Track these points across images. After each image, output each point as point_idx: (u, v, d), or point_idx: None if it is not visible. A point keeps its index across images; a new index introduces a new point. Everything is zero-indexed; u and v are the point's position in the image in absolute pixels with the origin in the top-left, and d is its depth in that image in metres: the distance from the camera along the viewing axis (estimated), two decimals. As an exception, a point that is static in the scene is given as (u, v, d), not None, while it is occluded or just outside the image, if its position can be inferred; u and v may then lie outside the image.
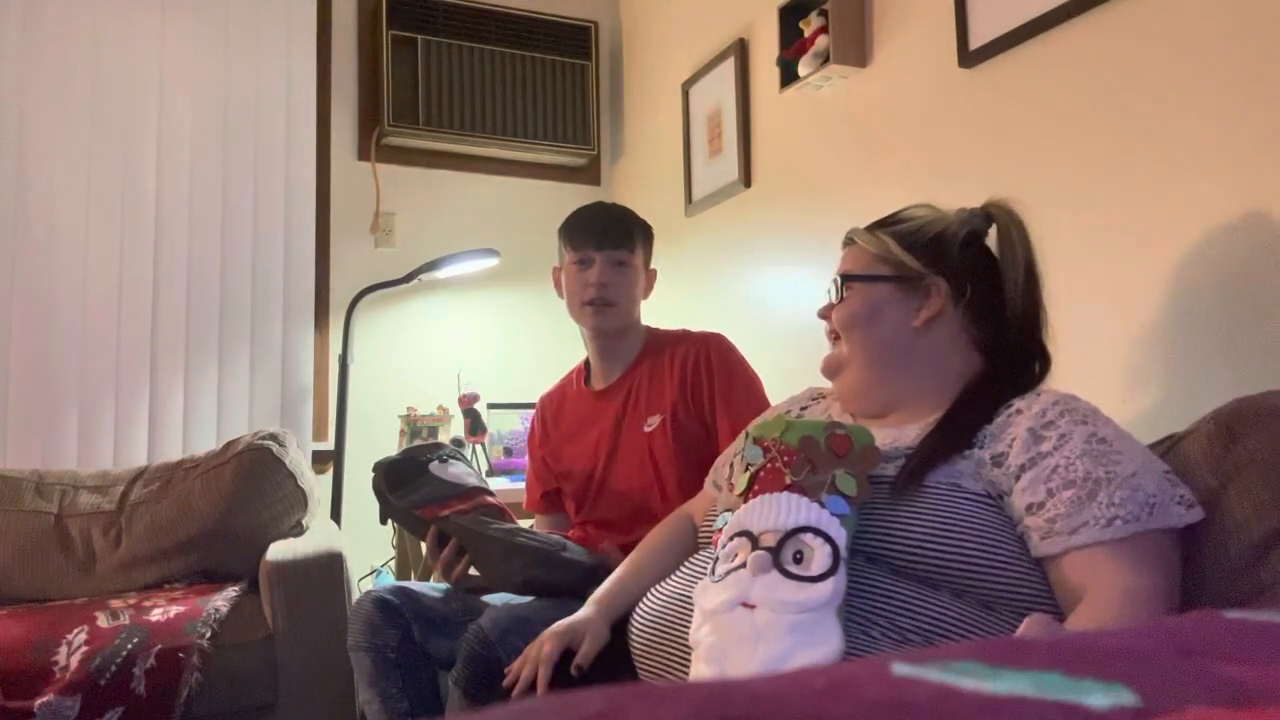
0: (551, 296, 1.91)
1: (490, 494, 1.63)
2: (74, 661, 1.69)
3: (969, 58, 1.83)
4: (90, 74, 2.67)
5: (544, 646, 1.19)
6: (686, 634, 1.04)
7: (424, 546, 1.66)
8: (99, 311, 2.64)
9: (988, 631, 0.98)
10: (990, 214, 1.23)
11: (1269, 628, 0.46)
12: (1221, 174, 1.38)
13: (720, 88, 2.69)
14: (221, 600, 1.94)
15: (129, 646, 1.73)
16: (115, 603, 1.95)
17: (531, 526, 1.80)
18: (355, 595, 1.96)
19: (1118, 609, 0.90)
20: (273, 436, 2.27)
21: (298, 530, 2.22)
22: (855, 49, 2.13)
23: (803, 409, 1.34)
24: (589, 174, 3.37)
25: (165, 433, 2.69)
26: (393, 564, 2.67)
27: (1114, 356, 1.55)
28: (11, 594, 2.09)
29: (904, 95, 2.04)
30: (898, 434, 1.13)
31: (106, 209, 2.66)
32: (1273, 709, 0.33)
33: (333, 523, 2.54)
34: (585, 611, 1.25)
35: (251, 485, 2.17)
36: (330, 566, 1.97)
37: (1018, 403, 1.08)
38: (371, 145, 3.05)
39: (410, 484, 1.61)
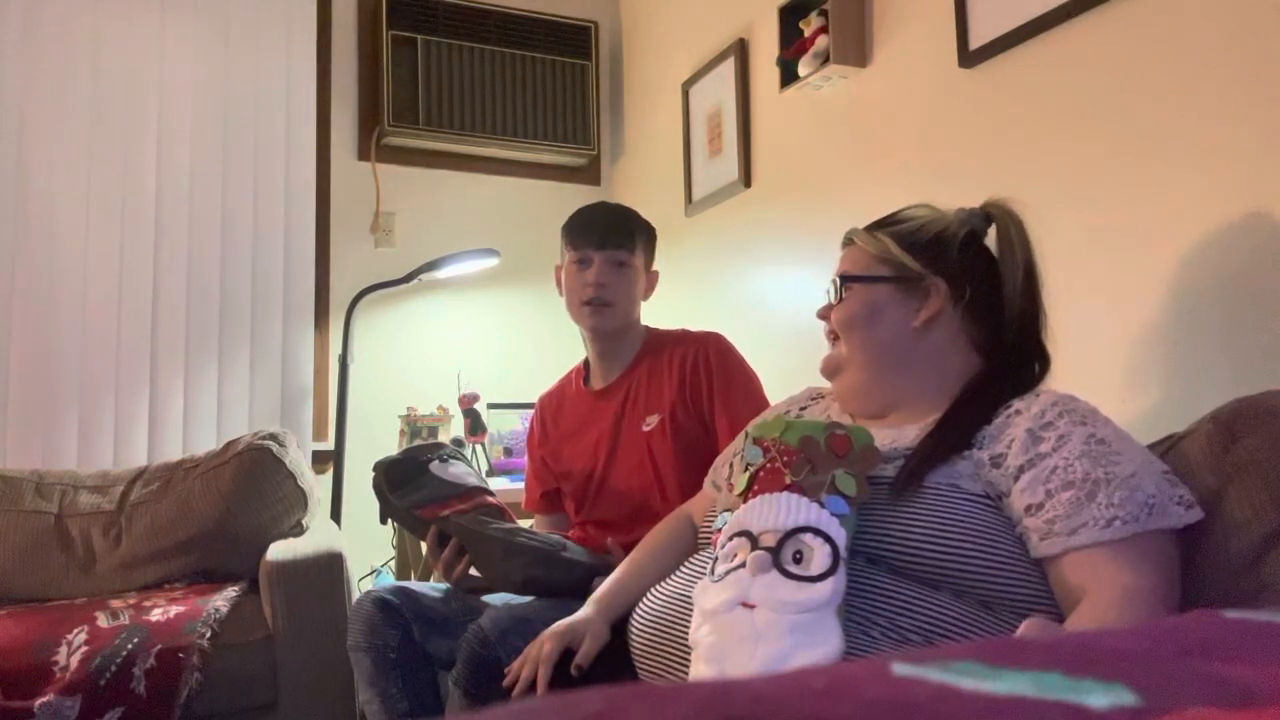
0: (551, 296, 1.91)
1: (490, 494, 1.63)
2: (74, 661, 1.69)
3: (969, 58, 1.83)
4: (90, 74, 2.67)
5: (544, 646, 1.19)
6: (686, 634, 1.04)
7: (424, 546, 1.66)
8: (99, 311, 2.64)
9: (988, 631, 0.98)
10: (990, 214, 1.23)
11: (1269, 628, 0.46)
12: (1221, 174, 1.38)
13: (720, 88, 2.69)
14: (221, 600, 1.94)
15: (129, 646, 1.73)
16: (115, 603, 1.95)
17: (531, 526, 1.80)
18: (355, 595, 1.96)
19: (1117, 609, 0.90)
20: (273, 436, 2.27)
21: (298, 530, 2.22)
22: (855, 49, 2.13)
23: (802, 409, 1.34)
24: (589, 174, 3.37)
25: (165, 433, 2.69)
26: (393, 564, 2.67)
27: (1114, 356, 1.55)
28: (11, 594, 2.09)
29: (904, 95, 2.04)
30: (897, 434, 1.13)
31: (106, 209, 2.66)
32: (1273, 709, 0.33)
33: (333, 523, 2.54)
34: (585, 611, 1.25)
35: (251, 485, 2.17)
36: (330, 566, 1.97)
37: (1017, 403, 1.08)
38: (371, 145, 3.05)
39: (410, 484, 1.61)
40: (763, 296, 2.55)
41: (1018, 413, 1.06)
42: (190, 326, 2.74)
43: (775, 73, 2.38)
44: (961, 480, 1.03)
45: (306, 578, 1.95)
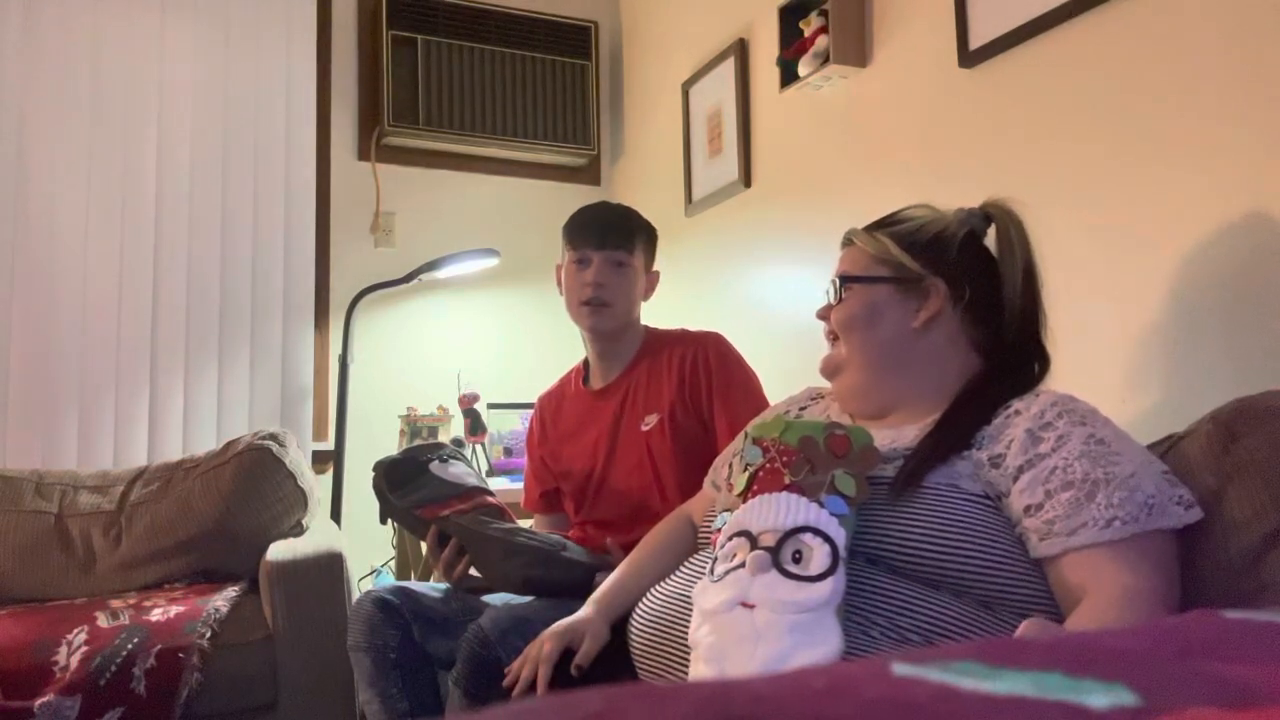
0: (551, 296, 1.91)
1: (490, 494, 1.63)
2: (74, 661, 1.69)
3: (969, 58, 1.83)
4: (90, 74, 2.67)
5: (544, 646, 1.19)
6: (686, 634, 1.04)
7: (424, 546, 1.66)
8: (99, 311, 2.64)
9: (988, 631, 0.98)
10: (989, 214, 1.22)
11: (1269, 628, 0.46)
12: (1221, 174, 1.38)
13: (720, 88, 2.69)
14: (221, 600, 1.94)
15: (129, 646, 1.73)
16: (115, 603, 1.95)
17: (531, 526, 1.80)
18: (355, 595, 1.96)
19: (1117, 609, 0.90)
20: (273, 436, 2.27)
21: (298, 530, 2.22)
22: (855, 49, 2.13)
23: (801, 409, 1.34)
24: (589, 174, 3.37)
25: (165, 433, 2.69)
26: (393, 564, 2.67)
27: (1114, 356, 1.55)
28: (11, 594, 2.09)
29: (904, 95, 2.04)
30: (896, 434, 1.13)
31: (106, 209, 2.66)
32: (1273, 709, 0.33)
33: (333, 523, 2.54)
34: (585, 611, 1.25)
35: (251, 485, 2.17)
36: (330, 566, 1.97)
37: (1016, 404, 1.08)
38: (371, 145, 3.05)
39: (410, 484, 1.61)
40: (763, 296, 2.55)
41: (1017, 413, 1.06)
42: (190, 326, 2.74)
43: (775, 73, 2.38)
44: (961, 480, 1.03)
45: (306, 578, 1.95)
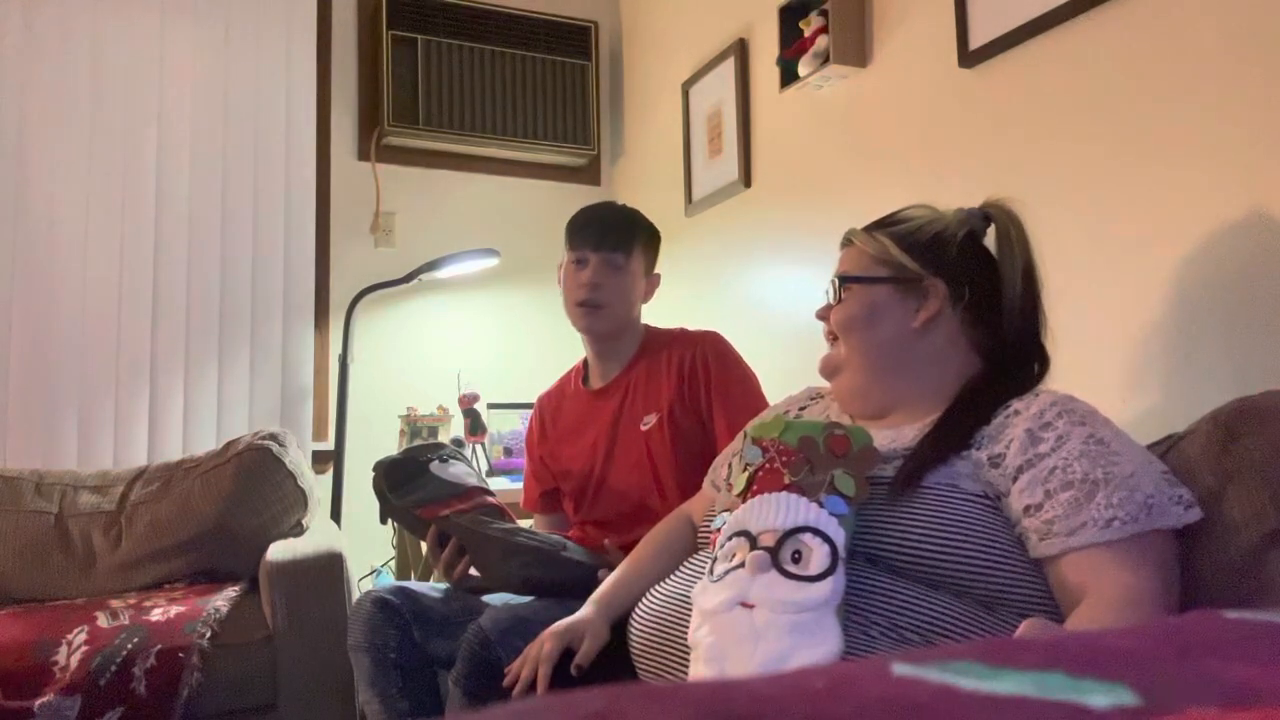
0: (551, 297, 1.91)
1: (490, 494, 1.63)
2: (74, 661, 1.69)
3: (969, 58, 1.83)
4: (90, 74, 2.67)
5: (544, 646, 1.19)
6: (686, 634, 1.04)
7: (424, 546, 1.66)
8: (99, 311, 2.64)
9: (987, 631, 0.98)
10: (989, 214, 1.22)
11: (1269, 628, 0.46)
12: (1221, 174, 1.38)
13: (720, 88, 2.69)
14: (221, 600, 1.94)
15: (129, 646, 1.73)
16: (115, 603, 1.95)
17: (531, 526, 1.80)
18: (355, 595, 1.96)
19: (1117, 609, 0.90)
20: (273, 436, 2.27)
21: (298, 530, 2.22)
22: (855, 49, 2.13)
23: (801, 409, 1.34)
24: (589, 174, 3.37)
25: (165, 433, 2.69)
26: (393, 564, 2.67)
27: (1114, 356, 1.55)
28: (11, 594, 2.09)
29: (904, 95, 2.04)
30: (896, 435, 1.13)
31: (106, 209, 2.66)
32: (1273, 709, 0.33)
33: (333, 523, 2.54)
34: (585, 611, 1.25)
35: (251, 485, 2.17)
36: (330, 566, 1.97)
37: (1016, 404, 1.08)
38: (371, 145, 3.05)
39: (410, 484, 1.61)
40: (763, 296, 2.55)
41: (1017, 413, 1.06)
42: (190, 326, 2.74)
43: (775, 73, 2.38)
44: (960, 480, 1.03)
45: (306, 578, 1.95)
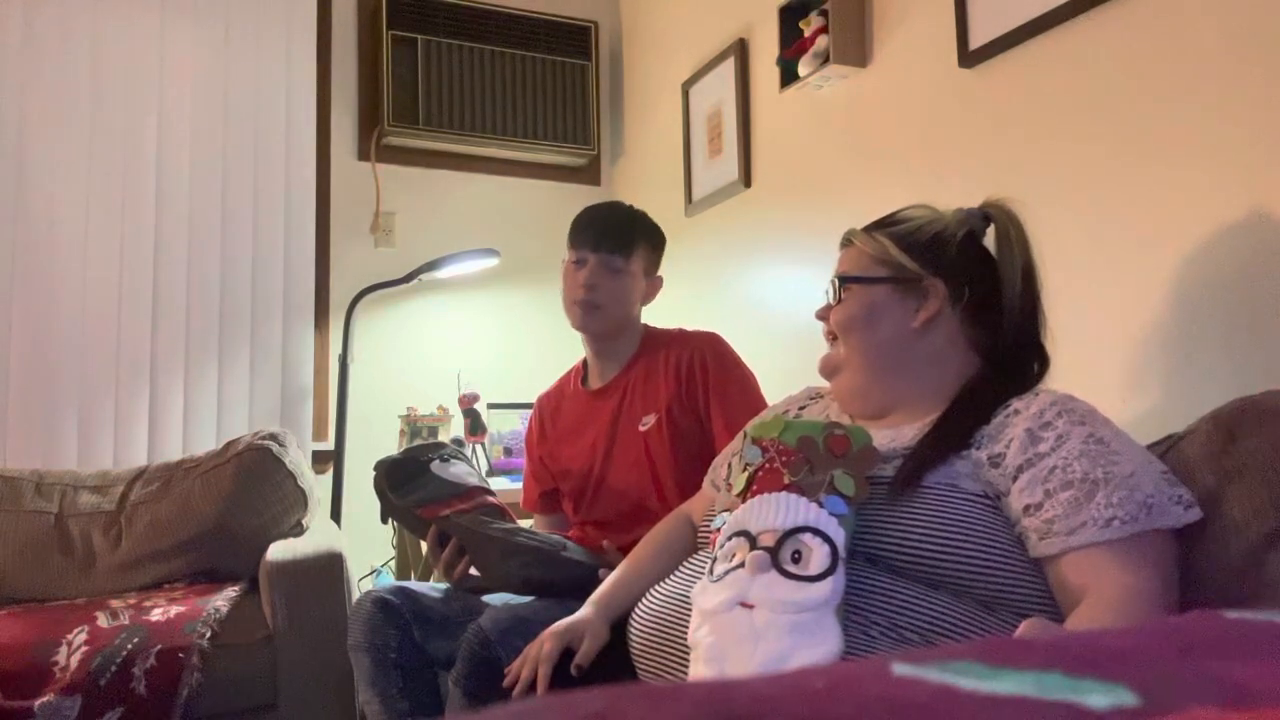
0: (551, 297, 1.91)
1: (491, 494, 1.63)
2: (74, 661, 1.69)
3: (969, 58, 1.83)
4: (90, 74, 2.67)
5: (544, 646, 1.19)
6: (685, 634, 1.04)
7: (424, 546, 1.66)
8: (99, 311, 2.64)
9: (987, 631, 0.98)
10: (988, 214, 1.23)
11: (1269, 628, 0.46)
12: (1221, 174, 1.38)
13: (720, 88, 2.69)
14: (221, 600, 1.94)
15: (129, 646, 1.73)
16: (115, 603, 1.95)
17: (531, 526, 1.80)
18: (355, 595, 1.96)
19: (1117, 609, 0.90)
20: (273, 436, 2.27)
21: (298, 530, 2.22)
22: (855, 49, 2.13)
23: (800, 409, 1.34)
24: (589, 174, 3.37)
25: (165, 433, 2.69)
26: (393, 564, 2.67)
27: (1114, 356, 1.55)
28: (11, 594, 2.09)
29: (904, 95, 2.04)
30: (895, 434, 1.13)
31: (106, 209, 2.66)
32: (1273, 709, 0.33)
33: (333, 523, 2.54)
34: (585, 611, 1.25)
35: (251, 485, 2.17)
36: (330, 566, 1.97)
37: (1015, 403, 1.08)
38: (371, 145, 3.05)
39: (411, 483, 1.61)
40: (763, 296, 2.55)
41: (1016, 412, 1.06)
42: (190, 326, 2.74)
43: (775, 73, 2.38)
44: (960, 480, 1.03)
45: (306, 578, 1.95)
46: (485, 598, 1.55)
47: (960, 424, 1.09)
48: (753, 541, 0.99)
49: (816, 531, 0.97)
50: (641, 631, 1.15)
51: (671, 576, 1.19)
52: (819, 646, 0.90)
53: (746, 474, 1.07)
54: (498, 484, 2.48)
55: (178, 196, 2.74)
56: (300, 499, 2.23)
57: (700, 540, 1.27)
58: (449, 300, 3.13)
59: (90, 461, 2.57)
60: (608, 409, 1.76)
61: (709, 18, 2.80)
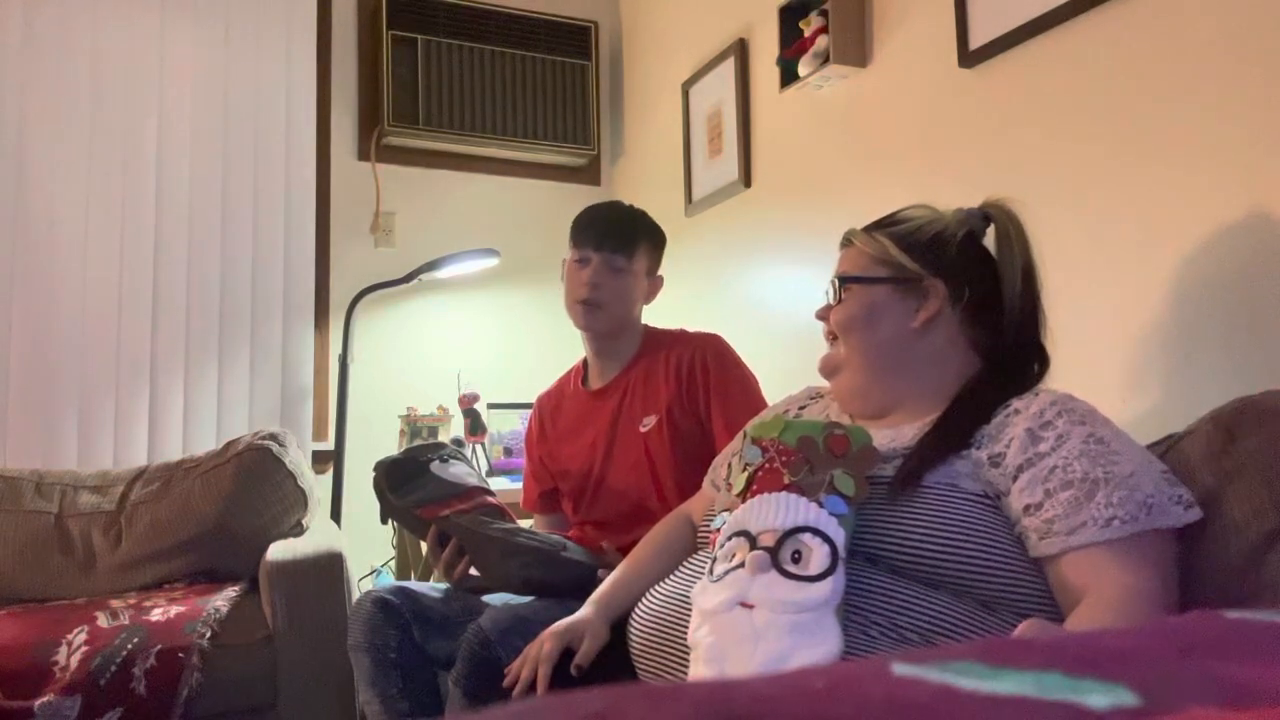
0: (551, 297, 1.91)
1: (491, 494, 1.63)
2: (74, 661, 1.69)
3: (969, 58, 1.83)
4: (90, 74, 2.67)
5: (544, 646, 1.19)
6: (685, 634, 1.04)
7: (424, 546, 1.66)
8: (99, 311, 2.64)
9: (987, 631, 0.98)
10: (988, 214, 1.23)
11: (1269, 628, 0.46)
12: (1221, 174, 1.38)
13: (720, 88, 2.69)
14: (221, 600, 1.94)
15: (129, 646, 1.73)
16: (115, 603, 1.95)
17: (531, 526, 1.80)
18: (355, 595, 1.96)
19: (1117, 609, 0.90)
20: (273, 436, 2.27)
21: (298, 530, 2.22)
22: (855, 49, 2.13)
23: (801, 408, 1.34)
24: (589, 174, 3.37)
25: (165, 433, 2.69)
26: (393, 564, 2.67)
27: (1114, 356, 1.55)
28: (11, 594, 2.09)
29: (904, 95, 2.04)
30: (895, 434, 1.13)
31: (106, 209, 2.66)
32: (1273, 709, 0.33)
33: (333, 523, 2.54)
34: (585, 611, 1.25)
35: (251, 485, 2.17)
36: (330, 566, 1.97)
37: (1016, 403, 1.08)
38: (371, 145, 3.05)
39: (411, 483, 1.61)
40: (763, 296, 2.55)
41: (1016, 412, 1.06)
42: (190, 326, 2.74)
43: (775, 73, 2.38)
44: (960, 480, 1.03)
45: (306, 578, 1.95)
46: (485, 598, 1.55)
47: (960, 424, 1.09)
48: (753, 541, 0.99)
49: (816, 531, 0.97)
50: (641, 631, 1.15)
51: (671, 576, 1.19)
52: (819, 646, 0.90)
53: (746, 474, 1.07)
54: (498, 484, 2.48)
55: (178, 196, 2.74)
56: (300, 499, 2.23)
57: (700, 540, 1.27)
58: (449, 300, 3.13)
59: (90, 461, 2.57)
60: (608, 409, 1.76)
61: (709, 18, 2.80)
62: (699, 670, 0.97)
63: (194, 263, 2.75)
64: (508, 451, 2.82)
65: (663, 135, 3.06)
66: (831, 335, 1.25)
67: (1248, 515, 0.99)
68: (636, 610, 1.19)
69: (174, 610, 1.87)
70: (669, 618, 1.11)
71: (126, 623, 1.81)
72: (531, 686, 1.17)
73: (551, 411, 1.88)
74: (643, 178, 3.22)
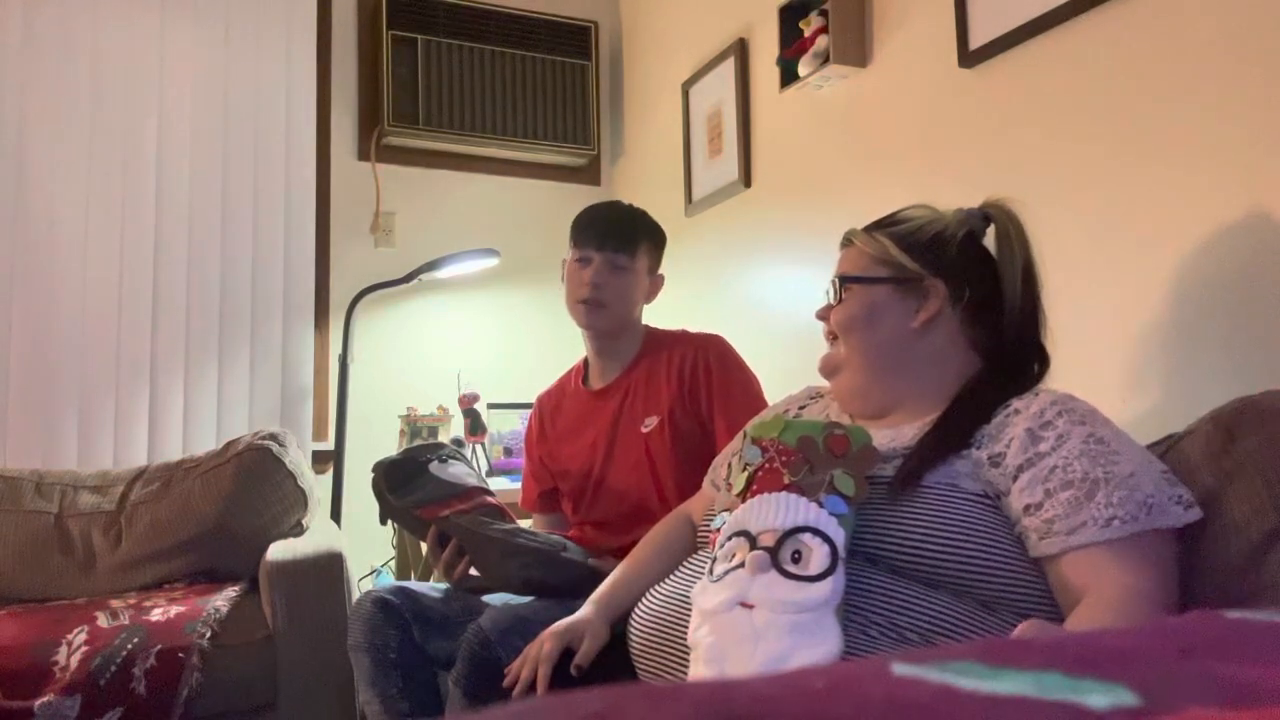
0: (551, 297, 1.91)
1: (490, 494, 1.63)
2: (74, 661, 1.69)
3: (969, 58, 1.83)
4: (90, 74, 2.67)
5: (544, 646, 1.19)
6: (685, 634, 1.04)
7: (424, 547, 1.65)
8: (99, 311, 2.64)
9: (987, 631, 0.98)
10: (988, 214, 1.23)
11: (1269, 628, 0.46)
12: (1221, 174, 1.38)
13: (720, 88, 2.69)
14: (221, 600, 1.94)
15: (129, 646, 1.73)
16: (115, 603, 1.95)
17: (530, 526, 1.80)
18: (355, 595, 1.96)
19: (1117, 609, 0.90)
20: (273, 436, 2.27)
21: (298, 530, 2.22)
22: (855, 49, 2.13)
23: (801, 408, 1.34)
24: (589, 174, 3.37)
25: (165, 433, 2.69)
26: (393, 564, 2.67)
27: (1114, 356, 1.55)
28: (11, 594, 2.09)
29: (904, 95, 2.04)
30: (895, 434, 1.13)
31: (106, 209, 2.66)
32: (1273, 709, 0.33)
33: (333, 523, 2.54)
34: (585, 611, 1.25)
35: (251, 485, 2.17)
36: (330, 566, 1.97)
37: (1016, 403, 1.08)
38: (371, 145, 3.05)
39: (410, 484, 1.60)
40: (763, 296, 2.55)
41: (1016, 412, 1.06)
42: (190, 326, 2.74)
43: (775, 73, 2.38)
44: (960, 480, 1.03)
45: (306, 578, 1.95)
46: (485, 598, 1.55)
47: (960, 424, 1.09)
48: (753, 541, 0.99)
49: (816, 531, 0.96)
50: (641, 631, 1.15)
51: (671, 576, 1.18)
52: (819, 646, 0.90)
53: (746, 474, 1.07)
54: (497, 484, 2.48)
55: (178, 196, 2.74)
56: (300, 499, 2.23)
57: (700, 540, 1.27)
58: (449, 300, 3.13)
59: (90, 461, 2.57)
60: (609, 409, 1.76)
61: (709, 18, 2.80)
62: (699, 670, 0.97)
63: (194, 263, 2.75)
64: (508, 451, 2.82)
65: (663, 135, 3.06)
66: (831, 335, 1.25)
67: (1248, 515, 0.99)
68: (636, 610, 1.19)
69: (174, 610, 1.87)
70: (669, 618, 1.11)
71: (126, 623, 1.81)
72: (531, 686, 1.17)
73: (552, 411, 1.88)
74: (643, 178, 3.22)
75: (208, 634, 1.82)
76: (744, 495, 1.05)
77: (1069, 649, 0.41)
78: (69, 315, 2.60)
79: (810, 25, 2.20)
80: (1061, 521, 0.97)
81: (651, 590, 1.20)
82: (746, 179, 2.59)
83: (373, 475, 1.63)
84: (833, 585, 0.93)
